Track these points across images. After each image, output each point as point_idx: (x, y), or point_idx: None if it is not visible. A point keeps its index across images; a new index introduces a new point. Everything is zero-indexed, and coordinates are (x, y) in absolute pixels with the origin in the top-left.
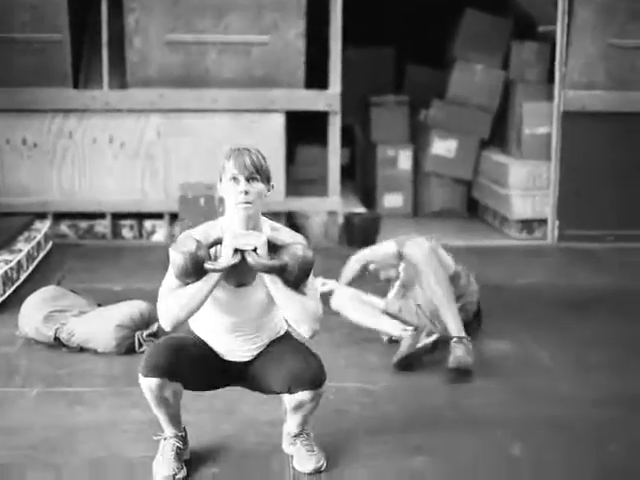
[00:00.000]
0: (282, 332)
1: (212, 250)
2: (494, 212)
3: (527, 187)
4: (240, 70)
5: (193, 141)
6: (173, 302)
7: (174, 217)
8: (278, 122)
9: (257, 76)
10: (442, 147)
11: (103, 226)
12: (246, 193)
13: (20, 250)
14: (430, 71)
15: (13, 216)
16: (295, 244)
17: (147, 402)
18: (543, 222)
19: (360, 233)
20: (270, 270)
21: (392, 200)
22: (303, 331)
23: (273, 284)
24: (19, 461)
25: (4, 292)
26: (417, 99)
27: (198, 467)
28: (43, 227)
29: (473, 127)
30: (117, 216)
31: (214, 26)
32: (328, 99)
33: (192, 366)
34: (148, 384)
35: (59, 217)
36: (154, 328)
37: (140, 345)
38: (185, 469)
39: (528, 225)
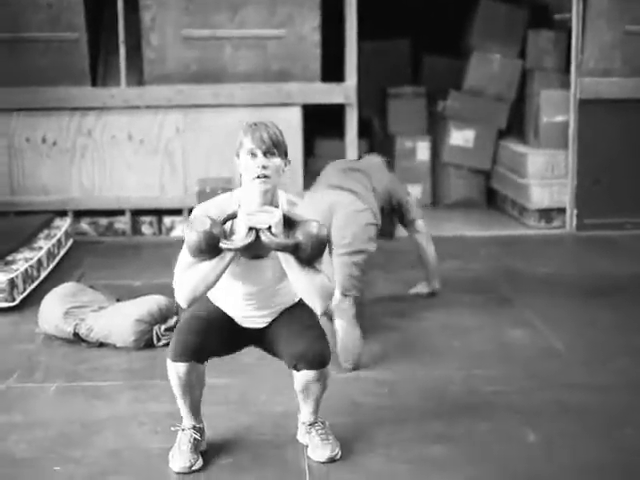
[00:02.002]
0: (296, 299)
1: (227, 225)
2: (513, 202)
3: (545, 176)
4: (256, 64)
5: (211, 136)
6: (189, 279)
7: None
8: (295, 116)
9: (273, 70)
10: (460, 137)
11: (123, 223)
12: (264, 167)
13: (40, 248)
14: (447, 61)
15: (33, 214)
16: (310, 221)
17: (168, 395)
18: (562, 211)
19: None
20: (284, 248)
21: (411, 191)
22: (315, 307)
23: (286, 261)
24: (39, 455)
25: (24, 289)
26: (434, 90)
27: (214, 458)
28: (63, 225)
29: (491, 117)
30: (136, 212)
31: (229, 21)
32: (345, 92)
33: (217, 341)
34: (176, 369)
35: (79, 214)
36: (172, 322)
37: (158, 339)
38: (201, 460)
39: (547, 214)
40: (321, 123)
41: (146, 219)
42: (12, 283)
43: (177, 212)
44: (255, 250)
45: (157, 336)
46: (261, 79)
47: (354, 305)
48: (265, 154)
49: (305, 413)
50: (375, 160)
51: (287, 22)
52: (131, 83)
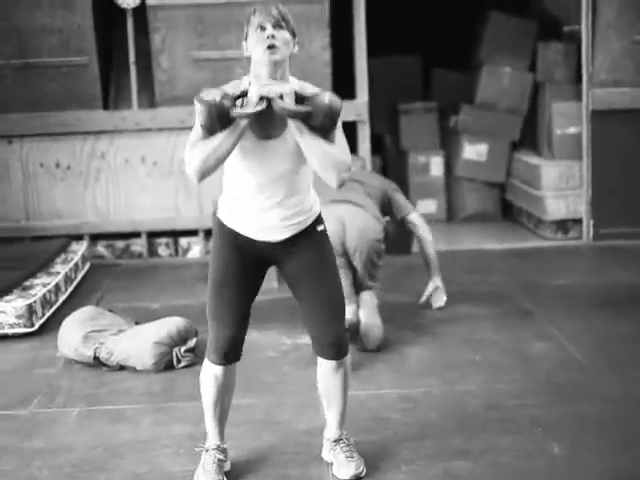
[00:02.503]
0: (315, 217)
1: (238, 102)
2: (528, 214)
3: (560, 187)
4: None
5: None
6: (200, 151)
7: (209, 233)
8: None
9: None
10: (473, 151)
11: (139, 245)
12: (273, 37)
13: (58, 272)
14: (457, 75)
15: (49, 239)
16: (322, 92)
17: (188, 416)
18: (578, 222)
19: (395, 241)
20: (296, 115)
21: (426, 206)
22: (330, 179)
23: (299, 131)
24: None
25: (43, 315)
26: (445, 104)
27: (238, 478)
28: (80, 249)
29: (503, 130)
30: (152, 234)
31: (239, 42)
32: (356, 109)
33: (243, 297)
34: (214, 371)
35: (95, 238)
36: (192, 344)
37: (178, 361)
38: None
39: (563, 225)
40: None
41: (162, 241)
42: (30, 309)
43: (193, 233)
44: (267, 128)
45: (177, 358)
46: None
47: (377, 297)
48: (274, 27)
49: (330, 427)
50: (358, 165)
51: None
52: (143, 105)
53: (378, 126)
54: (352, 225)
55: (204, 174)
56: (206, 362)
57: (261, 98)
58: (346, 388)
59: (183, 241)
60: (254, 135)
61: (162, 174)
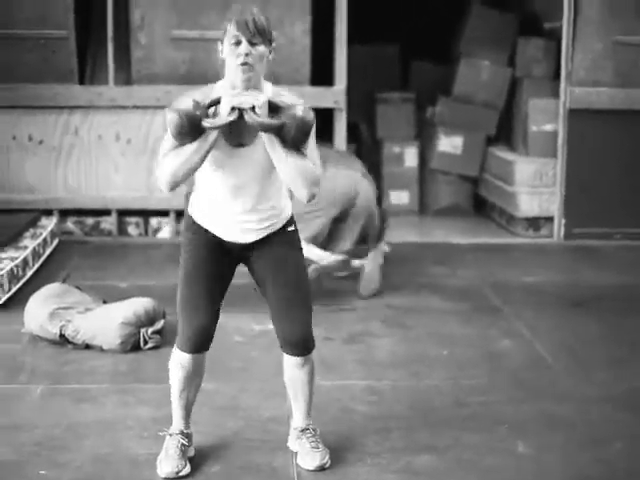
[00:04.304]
0: (286, 220)
1: (210, 111)
2: (500, 210)
3: (533, 184)
4: None
5: None
6: (171, 161)
7: (180, 214)
8: None
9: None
10: (448, 144)
11: (109, 223)
12: (246, 55)
13: (26, 247)
14: (436, 67)
15: (19, 213)
16: (295, 105)
17: (154, 398)
18: (549, 220)
19: None
20: (267, 128)
21: (398, 197)
22: (301, 194)
23: (271, 143)
24: (24, 458)
25: (10, 289)
26: (423, 96)
27: (202, 464)
28: (49, 224)
29: (479, 124)
30: (123, 213)
31: (219, 22)
32: (334, 96)
33: (212, 290)
34: (181, 358)
35: (65, 214)
36: (159, 325)
37: (145, 342)
38: (189, 466)
39: (535, 223)
40: None
41: (132, 220)
42: None
43: (164, 213)
44: (239, 136)
45: (144, 339)
46: None
47: (382, 256)
48: (249, 42)
49: (297, 416)
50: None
51: (277, 25)
52: (119, 82)
53: (354, 114)
54: (363, 196)
55: (175, 185)
56: (175, 350)
57: (233, 108)
58: (312, 381)
59: (153, 221)
60: (226, 142)
61: (136, 152)
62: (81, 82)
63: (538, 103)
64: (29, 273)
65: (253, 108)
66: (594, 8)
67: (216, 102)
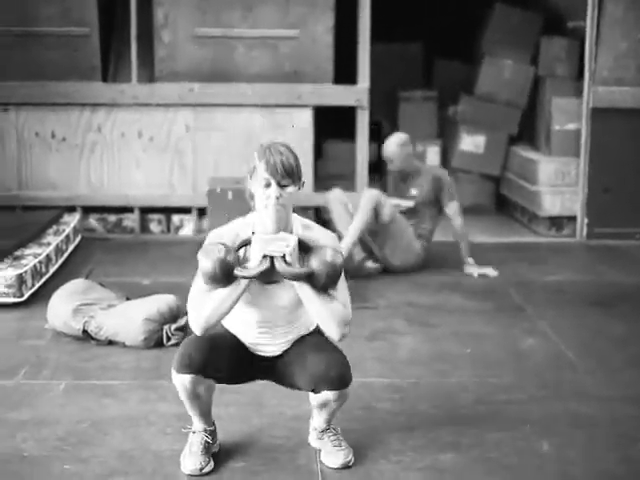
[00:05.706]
0: (312, 328)
1: (241, 252)
2: (523, 209)
3: (556, 184)
4: (268, 65)
5: (221, 135)
6: (203, 307)
7: (202, 212)
8: (306, 117)
9: (285, 71)
10: (470, 143)
11: (131, 220)
12: (277, 198)
13: (49, 243)
14: (459, 66)
15: (42, 210)
16: (325, 248)
17: (177, 395)
18: (572, 219)
19: None
20: (297, 278)
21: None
22: (332, 335)
23: (301, 289)
24: (48, 453)
25: (33, 285)
26: (445, 94)
27: (225, 461)
28: (72, 221)
29: (502, 123)
30: (145, 210)
31: (242, 20)
32: (356, 94)
33: (224, 362)
34: (182, 380)
35: (88, 211)
36: (182, 322)
37: (168, 339)
38: (212, 462)
39: (557, 222)
40: (329, 124)
41: (155, 217)
42: (21, 279)
43: (186, 211)
44: (269, 276)
45: (167, 335)
46: (273, 80)
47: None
48: (279, 184)
49: (318, 421)
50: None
51: (300, 23)
52: (142, 80)
53: (377, 112)
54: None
55: (207, 329)
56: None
57: (264, 256)
58: (344, 402)
59: (175, 218)
60: (257, 282)
61: (158, 150)
62: (104, 80)
63: (561, 102)
64: (52, 270)
65: (284, 256)
66: (618, 7)
67: (246, 243)
